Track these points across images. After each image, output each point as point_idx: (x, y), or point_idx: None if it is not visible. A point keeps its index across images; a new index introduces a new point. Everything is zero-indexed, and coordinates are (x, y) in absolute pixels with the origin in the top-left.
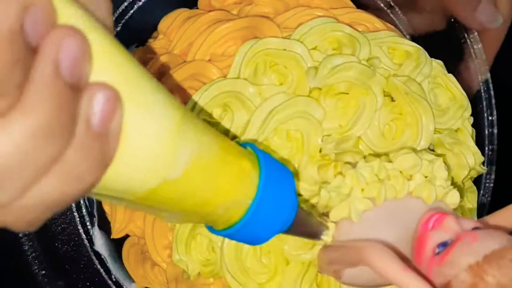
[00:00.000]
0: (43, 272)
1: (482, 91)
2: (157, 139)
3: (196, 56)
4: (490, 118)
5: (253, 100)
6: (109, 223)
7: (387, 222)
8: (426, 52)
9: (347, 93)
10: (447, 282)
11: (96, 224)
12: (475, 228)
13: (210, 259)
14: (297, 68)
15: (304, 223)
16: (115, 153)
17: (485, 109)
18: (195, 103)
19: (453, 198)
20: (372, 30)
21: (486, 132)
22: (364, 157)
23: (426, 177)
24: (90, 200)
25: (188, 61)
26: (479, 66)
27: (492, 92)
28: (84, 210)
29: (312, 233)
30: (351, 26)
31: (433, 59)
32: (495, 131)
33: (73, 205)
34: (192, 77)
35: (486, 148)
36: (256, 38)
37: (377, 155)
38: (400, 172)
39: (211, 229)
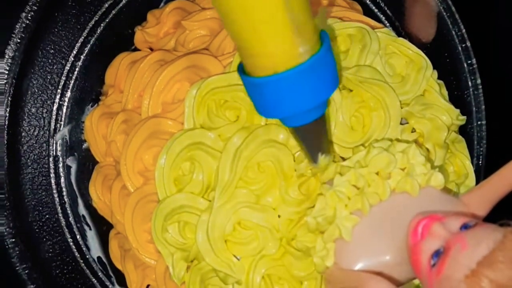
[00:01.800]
0: None
1: (442, 10)
2: None
3: (149, 111)
4: (459, 33)
5: (215, 146)
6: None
7: (380, 228)
8: (368, 28)
9: None
10: None
11: (115, 283)
12: (463, 226)
13: None
14: (246, 98)
15: (318, 133)
16: None
17: (451, 26)
18: (164, 162)
19: (436, 180)
20: None
21: (460, 48)
22: (339, 172)
23: (404, 169)
24: (103, 264)
25: (143, 119)
26: None
27: (453, 9)
28: (100, 274)
29: (315, 149)
30: None
31: (377, 29)
32: (468, 44)
33: (88, 271)
34: (152, 136)
35: (465, 64)
36: (200, 79)
37: (349, 167)
38: (377, 173)
39: (244, 77)
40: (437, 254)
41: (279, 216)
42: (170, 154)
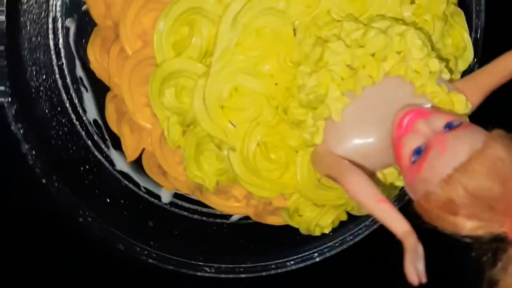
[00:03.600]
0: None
1: None
2: None
3: None
4: None
5: (215, 11)
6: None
7: (371, 111)
8: None
9: None
10: (425, 194)
11: (111, 146)
12: (448, 125)
13: (223, 168)
14: None
15: None
16: None
17: None
18: (163, 26)
19: (433, 66)
20: None
21: None
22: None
23: (400, 52)
24: (98, 127)
25: None
26: None
27: None
28: (95, 137)
29: None
30: None
31: None
32: None
33: (83, 133)
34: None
35: None
36: None
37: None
38: (373, 55)
39: None
40: (418, 151)
41: (276, 84)
42: (169, 18)
